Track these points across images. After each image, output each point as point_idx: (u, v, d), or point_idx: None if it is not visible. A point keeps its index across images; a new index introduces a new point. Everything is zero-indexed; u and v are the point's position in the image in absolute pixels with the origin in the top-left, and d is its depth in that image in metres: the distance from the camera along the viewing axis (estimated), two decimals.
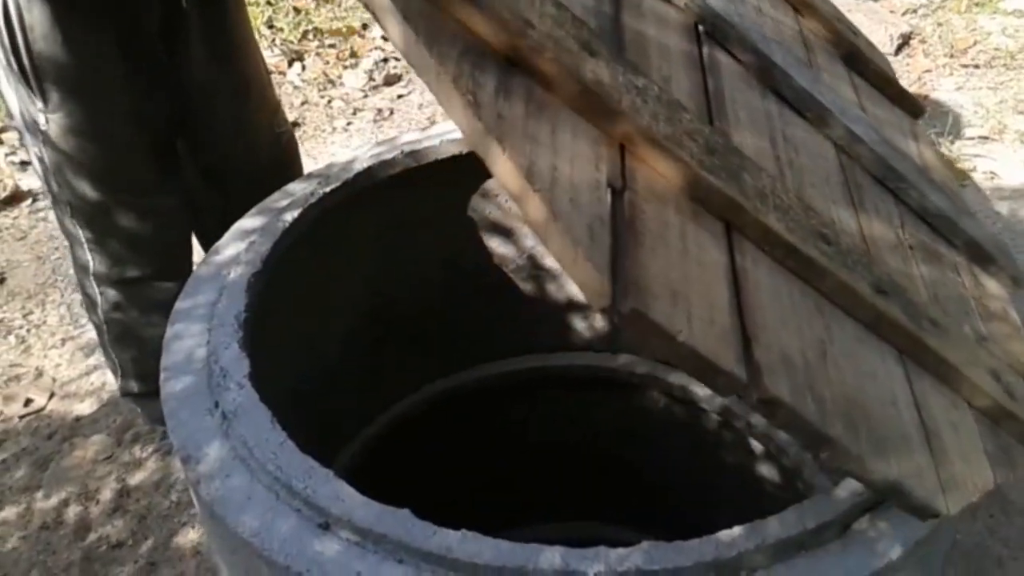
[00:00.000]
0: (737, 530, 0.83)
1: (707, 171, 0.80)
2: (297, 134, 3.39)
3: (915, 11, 3.76)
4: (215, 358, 1.07)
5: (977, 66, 3.40)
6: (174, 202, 1.65)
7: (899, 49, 3.49)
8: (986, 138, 3.01)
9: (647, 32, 0.97)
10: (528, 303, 1.62)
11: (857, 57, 1.46)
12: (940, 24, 3.66)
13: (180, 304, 1.17)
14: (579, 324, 1.63)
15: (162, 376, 1.07)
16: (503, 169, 0.66)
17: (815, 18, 1.43)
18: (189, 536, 1.87)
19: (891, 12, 3.69)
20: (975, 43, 3.51)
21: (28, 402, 2.15)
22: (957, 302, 1.12)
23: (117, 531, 1.87)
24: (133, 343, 1.79)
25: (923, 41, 3.56)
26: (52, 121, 1.44)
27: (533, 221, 0.66)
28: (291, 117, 3.35)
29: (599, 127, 0.76)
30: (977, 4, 3.72)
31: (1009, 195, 2.75)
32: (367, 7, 0.67)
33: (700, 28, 1.07)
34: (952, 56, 3.46)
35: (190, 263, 1.77)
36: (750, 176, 0.86)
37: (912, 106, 1.53)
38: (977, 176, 2.80)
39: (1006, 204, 2.73)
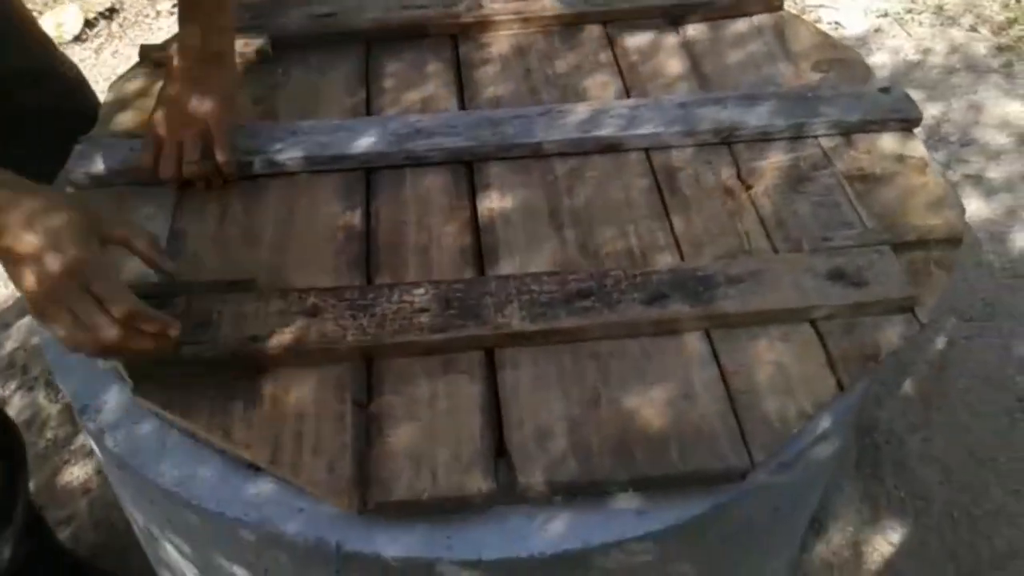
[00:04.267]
0: None
1: (439, 332, 1.02)
2: (117, 21, 2.92)
3: None
4: None
5: None
6: None
7: None
8: None
9: (404, 216, 1.20)
10: None
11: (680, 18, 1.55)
12: None
13: None
14: None
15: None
16: (264, 466, 0.95)
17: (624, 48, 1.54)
18: (74, 474, 1.79)
19: None
20: None
21: None
22: (815, 208, 1.20)
23: None
24: None
25: None
26: None
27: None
28: (108, 3, 2.98)
29: (339, 363, 1.02)
30: None
31: (854, 43, 2.99)
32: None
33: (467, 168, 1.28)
34: None
35: None
36: (492, 297, 1.06)
37: (768, 4, 1.57)
38: (823, 27, 2.88)
39: None
